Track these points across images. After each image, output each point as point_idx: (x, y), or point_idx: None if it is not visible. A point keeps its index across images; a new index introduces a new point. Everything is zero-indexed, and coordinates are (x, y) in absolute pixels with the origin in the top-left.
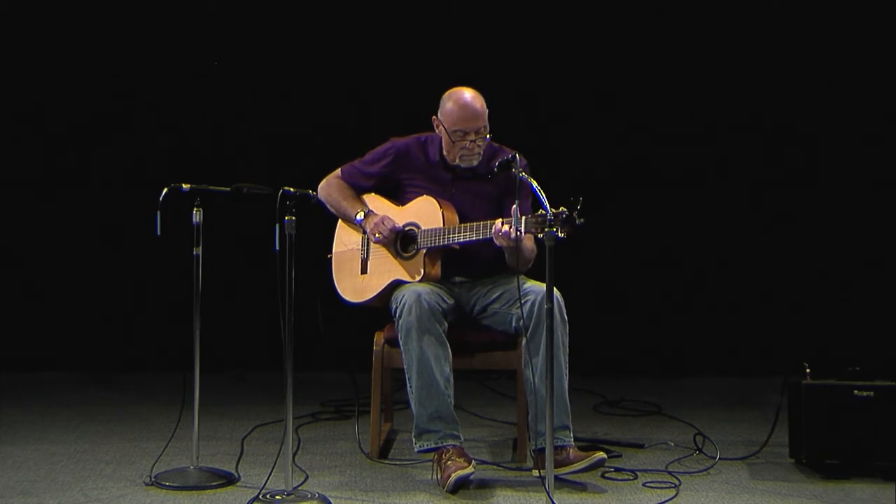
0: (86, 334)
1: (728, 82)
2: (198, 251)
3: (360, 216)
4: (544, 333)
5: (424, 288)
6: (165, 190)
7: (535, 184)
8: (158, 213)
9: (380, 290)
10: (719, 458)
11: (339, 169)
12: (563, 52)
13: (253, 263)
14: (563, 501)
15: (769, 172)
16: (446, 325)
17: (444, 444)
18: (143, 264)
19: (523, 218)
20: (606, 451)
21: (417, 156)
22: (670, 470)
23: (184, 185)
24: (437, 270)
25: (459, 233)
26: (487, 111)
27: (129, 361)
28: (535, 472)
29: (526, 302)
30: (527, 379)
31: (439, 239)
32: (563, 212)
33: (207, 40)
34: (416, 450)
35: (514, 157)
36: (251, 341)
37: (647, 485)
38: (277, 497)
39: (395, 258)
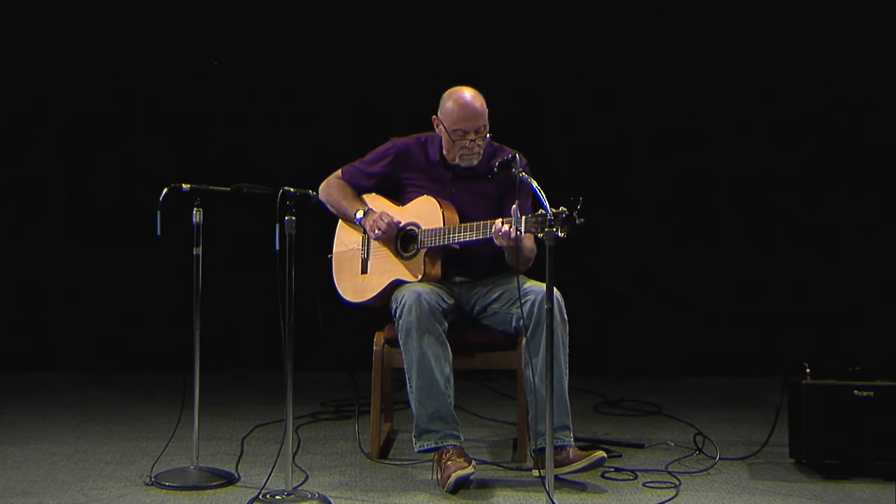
0: (86, 334)
1: (728, 82)
2: (198, 251)
3: (360, 214)
4: (544, 333)
5: (424, 288)
6: (165, 190)
7: (535, 183)
8: (158, 213)
9: (380, 289)
10: (719, 458)
11: (340, 169)
12: (563, 52)
13: (253, 263)
14: (563, 501)
15: (768, 172)
16: (446, 324)
17: (444, 444)
18: (143, 264)
19: (523, 218)
20: (606, 451)
21: (418, 155)
22: (670, 470)
23: (184, 185)
24: (437, 270)
25: (459, 232)
26: (487, 111)
27: (129, 361)
28: (535, 472)
29: (526, 302)
30: (527, 379)
31: (439, 239)
32: (563, 211)
33: (207, 40)
34: (416, 450)
35: (514, 156)
36: (251, 341)
37: (647, 485)
38: (277, 497)
39: (396, 258)
